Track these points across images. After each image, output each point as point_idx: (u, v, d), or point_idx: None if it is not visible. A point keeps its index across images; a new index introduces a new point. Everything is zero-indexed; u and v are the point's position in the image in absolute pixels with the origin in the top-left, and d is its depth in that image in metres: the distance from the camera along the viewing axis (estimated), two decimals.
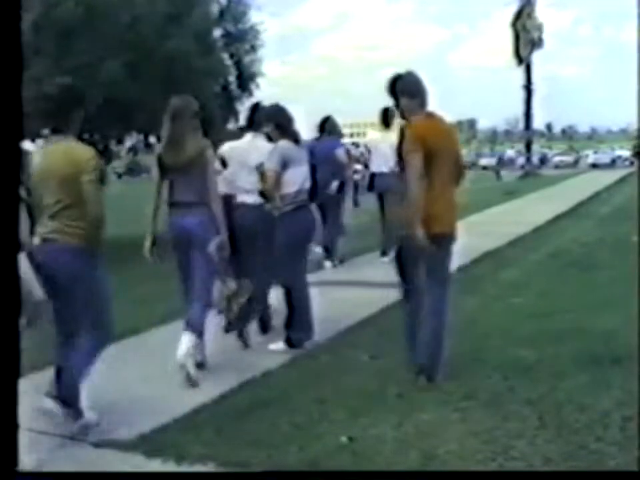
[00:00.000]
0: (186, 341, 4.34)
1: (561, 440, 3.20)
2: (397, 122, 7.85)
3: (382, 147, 8.19)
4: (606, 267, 7.17)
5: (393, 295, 6.47)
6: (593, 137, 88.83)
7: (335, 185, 8.12)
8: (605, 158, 46.01)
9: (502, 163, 43.10)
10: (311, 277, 7.71)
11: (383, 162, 8.05)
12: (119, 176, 44.64)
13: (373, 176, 8.65)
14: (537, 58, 35.25)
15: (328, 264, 8.26)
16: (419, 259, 4.06)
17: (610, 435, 3.22)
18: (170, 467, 3.20)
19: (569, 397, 3.69)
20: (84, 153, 3.60)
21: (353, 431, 3.43)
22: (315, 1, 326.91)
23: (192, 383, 4.27)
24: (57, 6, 11.88)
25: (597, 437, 3.20)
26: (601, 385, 3.81)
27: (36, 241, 3.56)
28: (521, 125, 34.23)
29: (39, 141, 3.94)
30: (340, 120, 8.77)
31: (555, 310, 5.53)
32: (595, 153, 50.47)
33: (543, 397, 3.72)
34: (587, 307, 5.53)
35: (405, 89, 4.12)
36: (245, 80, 16.49)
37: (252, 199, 5.06)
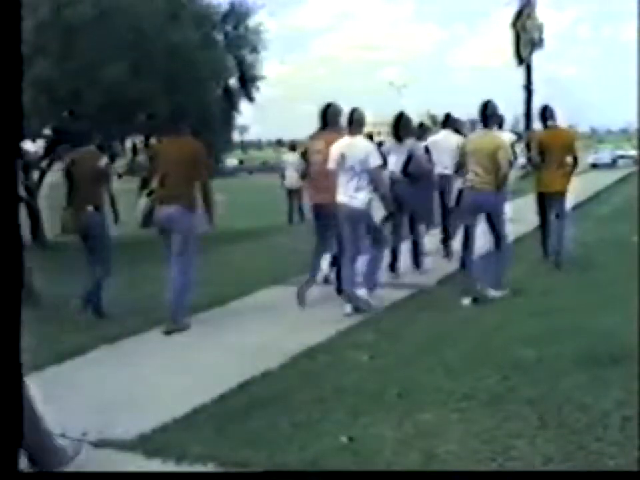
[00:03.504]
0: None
1: (561, 440, 3.20)
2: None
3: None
4: (606, 267, 7.16)
5: (394, 295, 6.50)
6: (593, 137, 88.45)
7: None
8: (605, 158, 45.88)
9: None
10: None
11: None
12: (119, 176, 44.58)
13: None
14: (537, 58, 35.17)
15: None
16: (548, 203, 7.72)
17: (610, 434, 3.22)
18: (170, 467, 3.21)
19: (568, 396, 3.68)
20: (502, 141, 6.48)
21: (353, 431, 3.43)
22: (315, 1, 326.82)
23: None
24: (63, 7, 11.89)
25: (597, 437, 3.20)
26: (601, 384, 3.80)
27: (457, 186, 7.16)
28: (521, 125, 34.12)
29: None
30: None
31: (555, 309, 5.53)
32: (595, 152, 50.28)
33: (543, 396, 3.72)
34: (586, 307, 5.53)
35: (547, 116, 7.70)
36: (247, 82, 16.54)
37: (447, 171, 7.96)
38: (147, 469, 3.20)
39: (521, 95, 35.88)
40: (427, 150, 7.98)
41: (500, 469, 3.00)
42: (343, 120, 6.36)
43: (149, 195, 5.89)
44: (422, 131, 8.41)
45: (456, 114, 9.24)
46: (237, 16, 16.53)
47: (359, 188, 5.89)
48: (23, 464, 2.72)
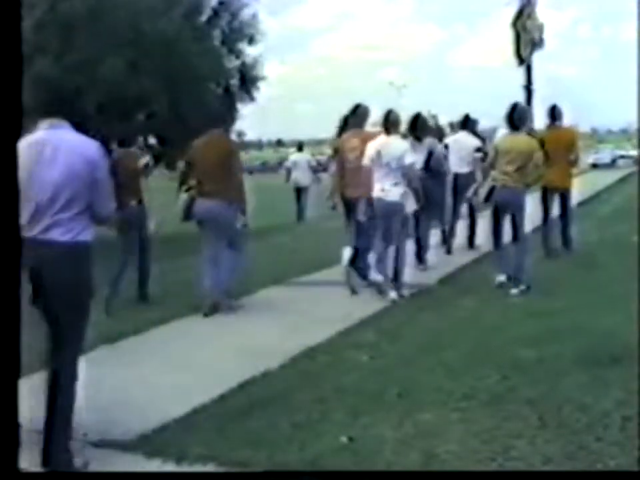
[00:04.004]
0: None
1: (561, 440, 3.20)
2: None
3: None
4: (606, 266, 7.16)
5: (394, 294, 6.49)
6: (594, 137, 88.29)
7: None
8: (605, 158, 45.82)
9: None
10: (309, 278, 7.74)
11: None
12: None
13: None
14: (537, 58, 35.06)
15: None
16: (552, 198, 8.24)
17: (610, 434, 3.22)
18: (170, 467, 3.20)
19: (568, 397, 3.68)
20: (537, 143, 6.81)
21: (353, 431, 3.43)
22: (315, 1, 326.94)
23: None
24: (60, 3, 11.86)
25: (597, 437, 3.20)
26: (601, 384, 3.80)
27: (488, 184, 6.69)
28: None
29: None
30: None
31: (555, 309, 5.53)
32: (596, 152, 50.18)
33: (543, 396, 3.72)
34: (587, 307, 5.53)
35: (556, 116, 8.27)
36: (248, 82, 16.51)
37: (464, 170, 8.69)
38: (147, 469, 3.20)
39: (521, 95, 35.77)
40: (446, 147, 8.41)
41: (500, 468, 3.00)
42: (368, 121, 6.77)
43: (187, 191, 6.28)
44: (439, 130, 8.84)
45: (455, 114, 9.35)
46: (230, 11, 16.51)
47: (395, 183, 6.34)
48: (23, 463, 2.71)
